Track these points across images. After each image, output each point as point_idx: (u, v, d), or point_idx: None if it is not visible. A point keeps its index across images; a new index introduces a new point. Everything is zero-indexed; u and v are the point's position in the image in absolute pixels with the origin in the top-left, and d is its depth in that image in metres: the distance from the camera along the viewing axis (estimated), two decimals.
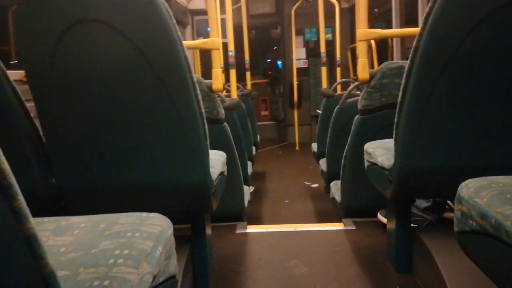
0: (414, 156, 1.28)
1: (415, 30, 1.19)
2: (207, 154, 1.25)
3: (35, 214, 0.87)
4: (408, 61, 1.21)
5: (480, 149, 1.24)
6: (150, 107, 1.17)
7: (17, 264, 0.40)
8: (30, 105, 1.24)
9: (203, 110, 1.21)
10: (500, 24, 1.11)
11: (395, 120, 1.30)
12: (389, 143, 1.42)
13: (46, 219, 0.82)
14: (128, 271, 0.62)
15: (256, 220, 2.78)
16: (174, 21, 1.12)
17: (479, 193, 0.79)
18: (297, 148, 5.67)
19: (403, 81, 1.24)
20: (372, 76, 1.89)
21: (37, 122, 1.26)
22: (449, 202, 1.76)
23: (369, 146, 1.61)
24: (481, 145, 1.23)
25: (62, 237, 0.73)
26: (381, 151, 1.48)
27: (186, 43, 1.75)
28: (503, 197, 0.76)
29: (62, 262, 0.64)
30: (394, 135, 1.33)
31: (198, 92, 1.19)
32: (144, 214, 0.80)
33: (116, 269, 0.62)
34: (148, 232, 0.72)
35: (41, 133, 1.26)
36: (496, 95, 1.19)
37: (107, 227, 0.75)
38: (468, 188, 0.83)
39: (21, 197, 0.40)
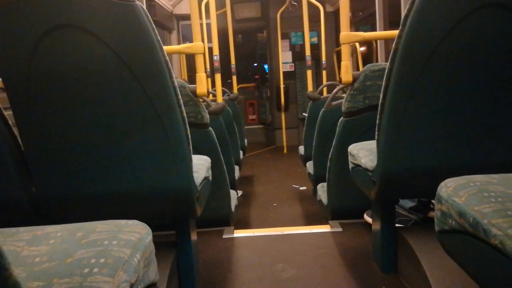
0: (396, 157, 1.29)
1: (396, 32, 1.20)
2: (190, 159, 1.24)
3: (14, 223, 0.86)
4: (388, 63, 1.22)
5: (460, 149, 1.25)
6: (130, 112, 1.15)
7: None
8: (8, 113, 1.22)
9: (185, 114, 1.20)
10: (477, 25, 1.13)
11: (377, 121, 1.31)
12: (373, 144, 1.43)
13: (22, 229, 0.80)
14: (103, 280, 0.60)
15: (245, 224, 2.77)
16: (154, 25, 1.11)
17: (458, 192, 0.80)
18: (285, 151, 5.68)
19: (383, 83, 1.25)
20: (355, 79, 1.90)
21: (15, 130, 1.23)
22: (433, 201, 1.78)
23: (353, 148, 1.62)
24: (461, 145, 1.25)
25: (37, 247, 0.72)
26: (364, 153, 1.49)
27: (169, 48, 1.74)
28: (481, 195, 0.77)
29: (36, 273, 0.63)
30: (376, 137, 1.34)
31: (180, 96, 1.19)
32: (123, 221, 0.79)
33: (91, 278, 0.60)
34: (126, 240, 0.71)
35: (20, 141, 1.24)
36: (474, 95, 1.21)
37: (84, 236, 0.73)
38: (447, 187, 0.84)
39: None
